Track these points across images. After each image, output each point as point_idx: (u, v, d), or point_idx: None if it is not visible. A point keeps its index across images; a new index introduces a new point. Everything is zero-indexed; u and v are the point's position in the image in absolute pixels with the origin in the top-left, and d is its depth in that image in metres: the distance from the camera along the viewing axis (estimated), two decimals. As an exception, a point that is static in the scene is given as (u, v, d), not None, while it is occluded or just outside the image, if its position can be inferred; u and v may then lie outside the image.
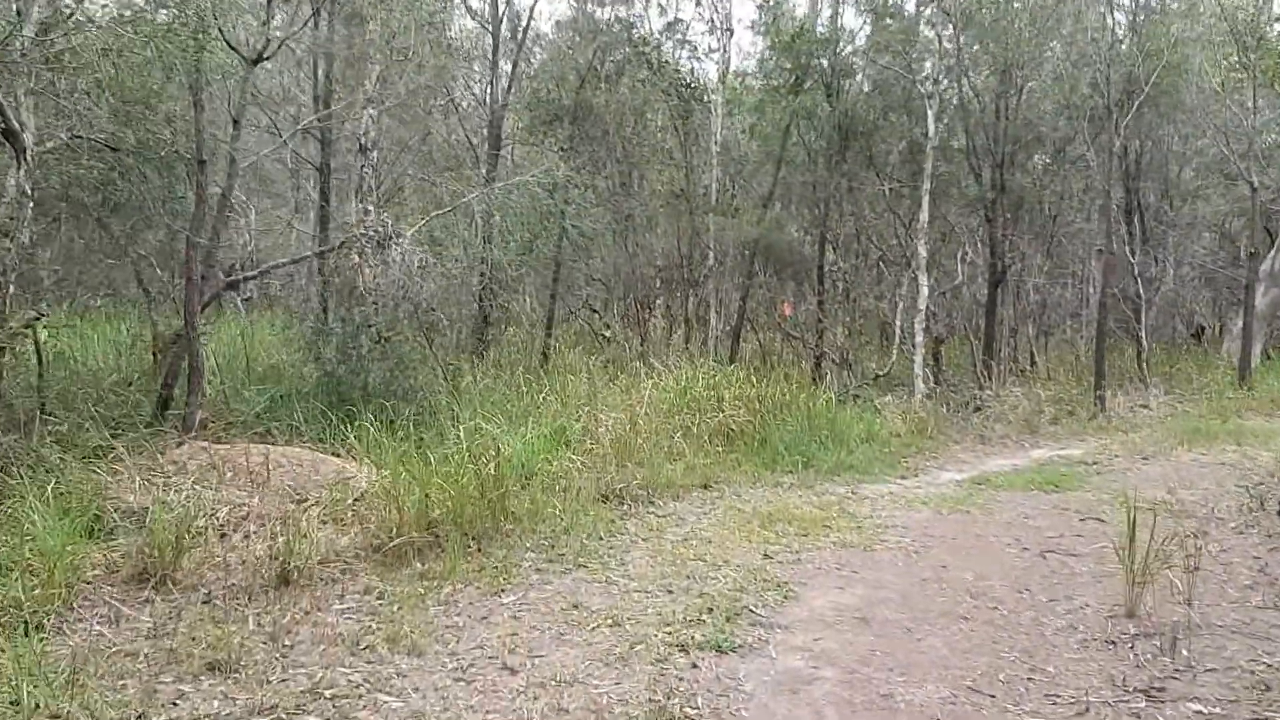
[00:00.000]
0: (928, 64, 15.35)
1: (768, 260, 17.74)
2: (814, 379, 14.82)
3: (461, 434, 8.29)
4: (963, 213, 17.70)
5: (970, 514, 8.67)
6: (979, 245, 17.45)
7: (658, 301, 18.17)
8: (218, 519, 6.65)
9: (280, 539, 6.05)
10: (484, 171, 15.49)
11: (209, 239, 9.39)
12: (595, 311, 19.47)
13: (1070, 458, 11.94)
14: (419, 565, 6.30)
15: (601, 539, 7.33)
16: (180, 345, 9.30)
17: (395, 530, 6.46)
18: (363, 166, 12.00)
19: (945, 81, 14.81)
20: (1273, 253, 20.22)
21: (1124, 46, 16.57)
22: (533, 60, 22.50)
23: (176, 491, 6.91)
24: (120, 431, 8.63)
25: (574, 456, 8.69)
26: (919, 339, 14.35)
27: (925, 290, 14.40)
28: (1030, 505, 9.09)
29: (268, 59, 9.34)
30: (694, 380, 11.35)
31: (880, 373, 15.44)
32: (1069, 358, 20.24)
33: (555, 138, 15.31)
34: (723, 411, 10.68)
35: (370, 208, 11.77)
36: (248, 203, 19.21)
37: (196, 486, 7.15)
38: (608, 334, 17.73)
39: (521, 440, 8.75)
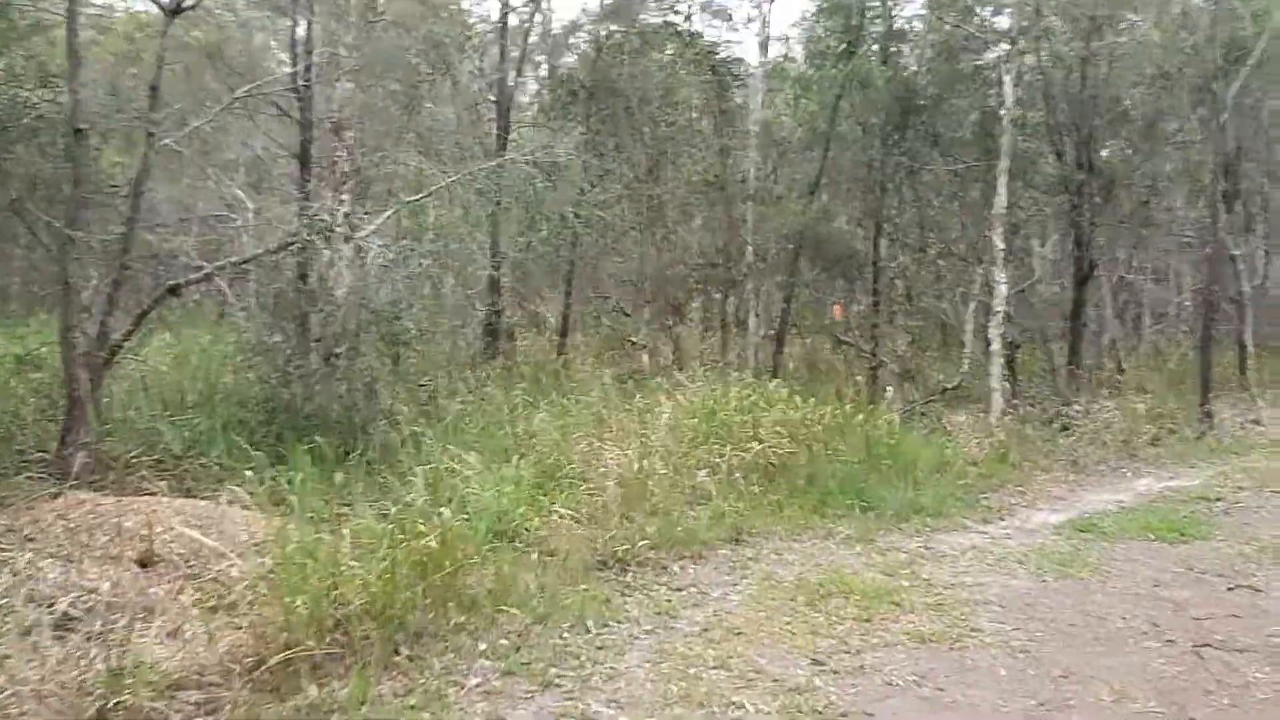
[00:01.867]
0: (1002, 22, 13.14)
1: (814, 255, 15.68)
2: (870, 394, 12.72)
3: (419, 479, 6.41)
4: (1035, 200, 15.47)
5: (1083, 581, 6.80)
6: (1058, 236, 15.18)
7: (691, 304, 16.14)
8: (52, 613, 4.80)
9: (112, 653, 4.20)
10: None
11: (125, 232, 7.62)
12: (626, 315, 17.52)
13: (1185, 490, 10.07)
14: (314, 690, 4.37)
15: (589, 631, 5.38)
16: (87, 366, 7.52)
17: (285, 636, 4.55)
18: (335, 149, 10.23)
19: (1022, 42, 12.53)
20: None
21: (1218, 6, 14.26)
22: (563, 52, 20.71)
23: (9, 570, 5.10)
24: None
25: (564, 510, 6.70)
26: (995, 345, 12.16)
27: (1003, 289, 12.20)
28: (1156, 565, 7.24)
29: (191, 8, 7.52)
30: (725, 400, 9.32)
31: (949, 385, 13.24)
32: (1159, 364, 17.91)
33: (573, 117, 13.38)
34: (760, 440, 8.61)
35: (345, 196, 9.96)
36: (244, 200, 17.58)
37: (45, 560, 5.34)
38: (635, 340, 15.80)
39: (498, 485, 6.80)
